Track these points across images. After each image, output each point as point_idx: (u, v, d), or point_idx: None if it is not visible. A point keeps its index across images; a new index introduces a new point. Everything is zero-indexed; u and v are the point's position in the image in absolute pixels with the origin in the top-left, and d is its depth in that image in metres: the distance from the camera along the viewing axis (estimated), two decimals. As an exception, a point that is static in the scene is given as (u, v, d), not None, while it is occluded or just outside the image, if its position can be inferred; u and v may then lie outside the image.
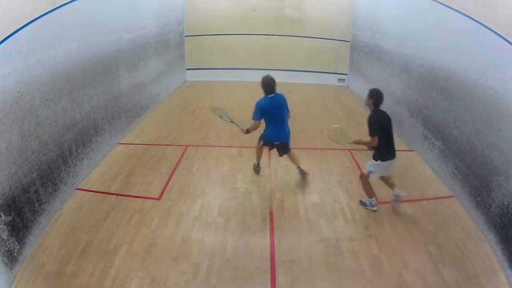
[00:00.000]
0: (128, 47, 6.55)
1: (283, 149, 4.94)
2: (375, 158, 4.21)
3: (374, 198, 4.38)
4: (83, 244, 3.64)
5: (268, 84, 4.62)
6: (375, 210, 4.32)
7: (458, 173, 4.62)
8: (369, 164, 4.28)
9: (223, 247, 3.69)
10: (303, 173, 4.97)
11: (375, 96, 4.09)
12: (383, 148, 4.14)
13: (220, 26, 10.98)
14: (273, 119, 4.68)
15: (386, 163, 4.21)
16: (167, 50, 9.41)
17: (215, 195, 4.65)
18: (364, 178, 4.35)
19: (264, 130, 4.81)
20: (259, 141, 4.96)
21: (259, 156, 5.15)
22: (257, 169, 5.21)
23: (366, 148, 4.30)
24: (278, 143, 4.84)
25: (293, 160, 5.03)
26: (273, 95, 4.64)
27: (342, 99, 9.74)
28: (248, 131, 4.63)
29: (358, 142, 4.25)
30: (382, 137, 4.08)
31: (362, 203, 4.44)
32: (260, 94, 4.71)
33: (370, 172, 4.28)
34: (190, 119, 7.59)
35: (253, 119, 4.61)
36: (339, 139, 4.42)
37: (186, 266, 3.41)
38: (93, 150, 5.15)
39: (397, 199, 4.32)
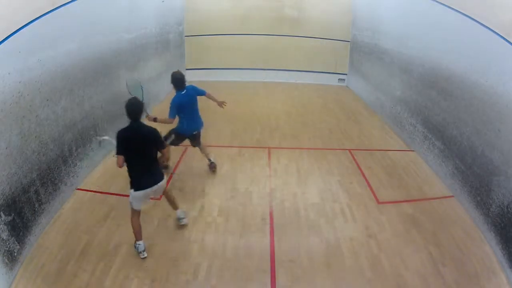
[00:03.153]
0: (128, 47, 6.54)
1: (197, 138, 5.07)
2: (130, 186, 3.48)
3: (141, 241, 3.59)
4: (83, 244, 3.64)
5: (180, 80, 4.67)
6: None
7: (458, 173, 4.62)
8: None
9: (223, 247, 3.69)
10: (212, 166, 5.19)
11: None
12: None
13: (220, 26, 10.97)
14: (189, 113, 4.78)
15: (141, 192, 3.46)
16: (167, 50, 9.40)
17: (215, 195, 4.65)
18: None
19: (178, 125, 4.84)
20: (169, 138, 4.86)
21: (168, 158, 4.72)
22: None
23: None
24: (195, 132, 4.98)
25: (205, 153, 5.19)
26: (184, 90, 4.72)
27: (342, 99, 9.74)
28: (155, 120, 4.42)
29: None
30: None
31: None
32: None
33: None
34: (190, 119, 7.58)
35: (169, 117, 4.62)
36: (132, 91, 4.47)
37: (186, 266, 3.41)
38: (93, 150, 5.15)
39: (180, 221, 3.96)
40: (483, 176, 4.03)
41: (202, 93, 4.94)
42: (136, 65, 7.05)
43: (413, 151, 6.10)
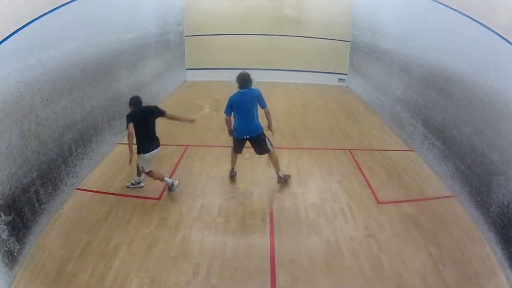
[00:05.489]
0: (128, 47, 6.55)
1: (255, 146, 4.81)
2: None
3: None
4: (83, 244, 3.64)
5: (242, 78, 4.64)
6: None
7: (458, 173, 4.62)
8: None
9: (223, 247, 3.69)
10: (281, 180, 4.88)
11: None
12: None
13: (220, 26, 10.97)
14: (242, 115, 4.65)
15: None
16: (167, 50, 9.41)
17: (215, 195, 4.65)
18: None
19: (234, 126, 4.78)
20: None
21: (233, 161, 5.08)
22: (231, 175, 5.08)
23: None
24: (247, 138, 4.73)
25: (273, 164, 4.90)
26: (245, 90, 4.65)
27: (342, 99, 9.74)
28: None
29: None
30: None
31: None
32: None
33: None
34: (190, 119, 7.57)
35: (224, 112, 4.69)
36: None
37: (186, 266, 3.41)
38: (93, 150, 5.15)
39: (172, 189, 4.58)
40: (483, 176, 4.02)
41: (261, 102, 4.68)
42: (136, 65, 7.06)
43: (413, 151, 6.10)
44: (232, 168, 5.08)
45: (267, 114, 4.75)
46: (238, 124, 4.71)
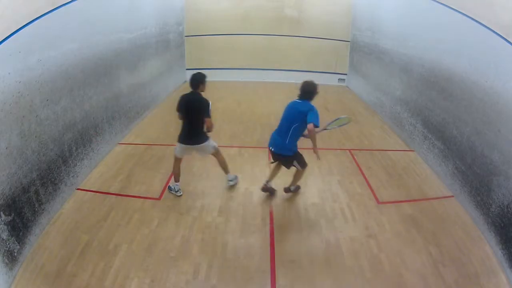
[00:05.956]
0: (128, 47, 6.55)
1: (281, 161, 4.39)
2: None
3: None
4: (83, 244, 3.64)
5: (302, 88, 4.33)
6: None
7: (458, 173, 4.62)
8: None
9: (223, 247, 3.69)
10: (286, 190, 4.61)
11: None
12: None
13: (220, 26, 10.97)
14: (280, 124, 4.26)
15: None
16: (167, 50, 9.41)
17: (215, 195, 4.65)
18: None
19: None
20: None
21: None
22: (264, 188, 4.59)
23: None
24: (272, 149, 4.27)
25: (295, 177, 4.48)
26: (298, 101, 4.28)
27: (342, 99, 9.74)
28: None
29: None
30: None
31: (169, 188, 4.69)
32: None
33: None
34: (190, 119, 7.57)
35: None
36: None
37: (186, 266, 3.41)
38: (93, 150, 5.15)
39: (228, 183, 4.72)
40: (483, 176, 4.03)
41: (309, 118, 4.01)
42: (136, 65, 7.05)
43: (413, 151, 6.10)
44: (267, 181, 4.57)
45: (310, 132, 3.97)
46: (274, 132, 4.30)
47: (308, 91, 4.19)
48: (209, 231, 3.95)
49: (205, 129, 4.31)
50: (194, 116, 4.25)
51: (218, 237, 3.85)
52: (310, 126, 3.92)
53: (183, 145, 4.40)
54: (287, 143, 4.13)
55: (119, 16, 6.15)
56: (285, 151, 4.18)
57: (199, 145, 4.41)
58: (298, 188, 4.73)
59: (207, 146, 4.48)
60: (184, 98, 4.29)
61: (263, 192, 4.61)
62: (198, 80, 4.22)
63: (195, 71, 4.41)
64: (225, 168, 4.77)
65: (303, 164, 4.34)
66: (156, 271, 3.33)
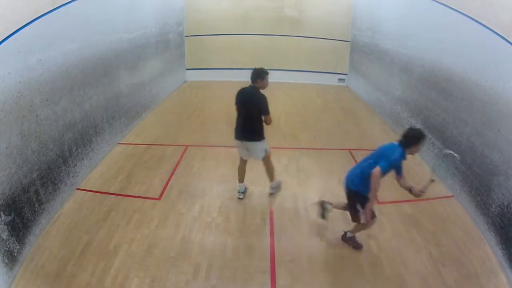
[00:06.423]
0: (128, 47, 6.55)
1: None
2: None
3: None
4: (83, 244, 3.64)
5: (405, 135, 3.34)
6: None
7: (458, 173, 4.62)
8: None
9: (223, 247, 3.69)
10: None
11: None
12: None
13: (220, 26, 10.97)
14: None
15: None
16: (167, 50, 9.41)
17: (215, 195, 4.65)
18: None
19: None
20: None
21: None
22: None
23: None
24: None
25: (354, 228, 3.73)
26: (399, 148, 3.36)
27: (342, 99, 9.74)
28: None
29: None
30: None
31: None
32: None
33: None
34: (190, 119, 7.58)
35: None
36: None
37: (186, 266, 3.41)
38: (93, 150, 5.15)
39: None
40: (483, 176, 4.03)
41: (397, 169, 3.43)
42: (136, 65, 7.05)
43: (413, 151, 6.09)
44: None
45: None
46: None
47: (409, 135, 3.37)
48: (209, 231, 3.95)
49: (263, 126, 4.24)
50: (246, 111, 4.22)
51: (218, 237, 3.85)
52: (400, 178, 3.53)
53: (237, 141, 4.35)
54: (359, 181, 3.48)
55: (119, 16, 6.15)
56: (355, 187, 3.53)
57: (250, 142, 4.29)
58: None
59: (259, 148, 4.30)
60: (240, 91, 4.29)
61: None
62: (256, 75, 4.21)
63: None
64: (271, 176, 4.60)
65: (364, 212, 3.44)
66: (156, 271, 3.33)
